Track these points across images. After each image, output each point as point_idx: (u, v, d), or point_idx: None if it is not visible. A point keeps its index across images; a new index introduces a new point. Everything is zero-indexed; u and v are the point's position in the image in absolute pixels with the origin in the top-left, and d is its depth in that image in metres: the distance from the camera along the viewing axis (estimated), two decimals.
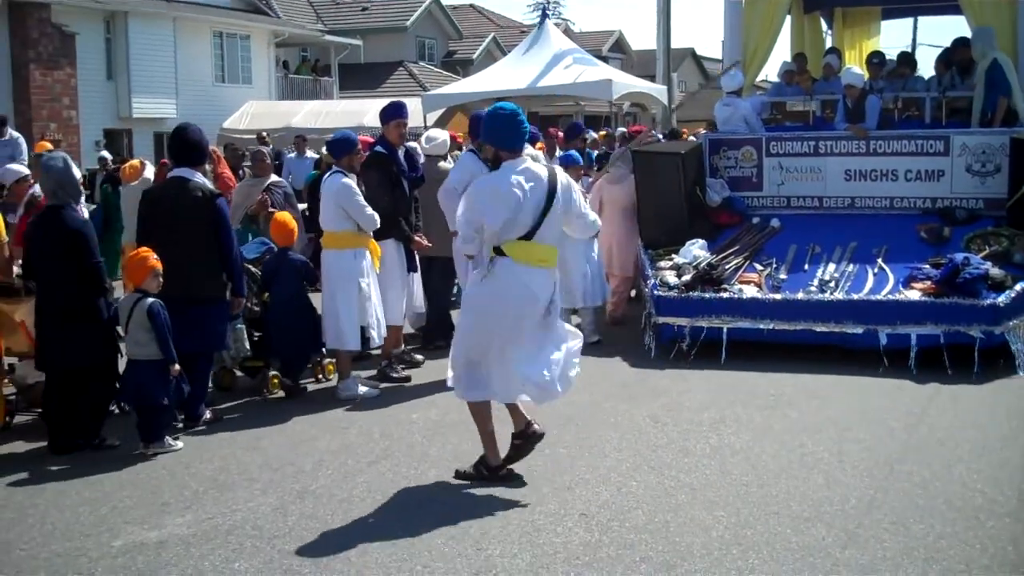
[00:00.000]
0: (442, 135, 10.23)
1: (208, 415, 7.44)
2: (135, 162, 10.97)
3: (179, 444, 6.79)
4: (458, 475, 5.99)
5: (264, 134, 20.74)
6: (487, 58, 39.84)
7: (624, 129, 16.91)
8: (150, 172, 10.27)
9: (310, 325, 8.26)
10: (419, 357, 9.23)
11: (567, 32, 36.35)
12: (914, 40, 16.19)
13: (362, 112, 26.31)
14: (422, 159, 9.74)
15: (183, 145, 7.46)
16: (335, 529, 5.24)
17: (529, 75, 17.00)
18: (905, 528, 5.05)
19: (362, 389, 8.15)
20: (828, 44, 14.82)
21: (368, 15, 42.49)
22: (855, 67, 11.94)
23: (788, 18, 13.29)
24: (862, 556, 4.71)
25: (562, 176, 5.79)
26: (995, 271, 8.79)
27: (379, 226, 8.24)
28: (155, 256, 6.78)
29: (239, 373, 8.52)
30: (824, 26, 15.32)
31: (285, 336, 8.15)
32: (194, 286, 7.14)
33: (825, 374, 8.38)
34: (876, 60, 12.41)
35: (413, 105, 20.91)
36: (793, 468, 6.07)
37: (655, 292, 9.38)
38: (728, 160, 11.32)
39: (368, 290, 8.14)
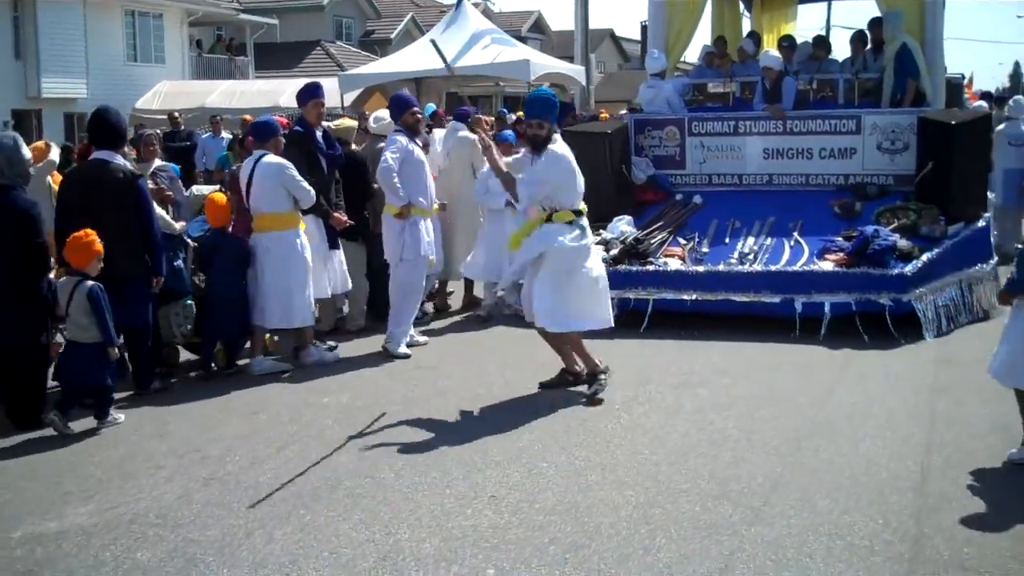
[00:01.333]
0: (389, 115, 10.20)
1: (156, 384, 7.69)
2: (40, 144, 10.63)
3: (121, 417, 6.93)
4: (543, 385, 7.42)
5: (176, 114, 20.37)
6: (405, 38, 39.49)
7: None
8: (55, 154, 9.97)
9: (248, 305, 8.34)
10: (332, 343, 9.18)
11: (486, 12, 36.20)
12: (828, 23, 16.68)
13: (278, 92, 26.11)
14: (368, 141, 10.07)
15: (104, 128, 7.52)
16: (241, 516, 5.15)
17: (447, 55, 16.90)
18: (811, 505, 5.11)
19: (327, 355, 8.56)
20: (746, 28, 15.00)
21: None
22: (773, 50, 12.14)
23: (708, 2, 13.39)
24: (768, 533, 4.77)
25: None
26: (903, 243, 9.20)
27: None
28: (99, 240, 6.83)
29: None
30: (743, 10, 15.48)
31: (225, 315, 8.19)
32: (118, 265, 7.14)
33: (740, 345, 8.59)
34: (786, 43, 12.63)
35: (330, 85, 20.60)
36: (702, 447, 6.11)
37: None
38: (652, 140, 11.57)
39: (311, 265, 8.38)
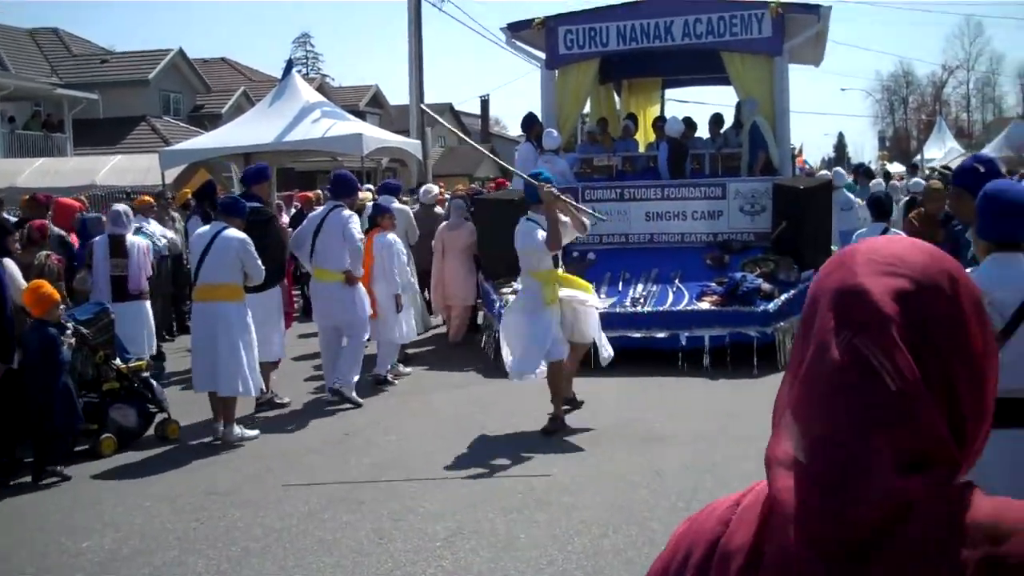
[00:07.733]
0: (435, 188, 13.70)
1: None
2: None
3: None
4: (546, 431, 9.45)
5: None
6: (237, 112, 41.19)
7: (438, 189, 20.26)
8: None
9: (62, 405, 8.44)
10: (286, 399, 11.29)
11: (322, 87, 38.88)
12: (662, 100, 20.49)
13: (95, 170, 27.47)
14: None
15: None
16: None
17: (276, 129, 18.01)
18: None
19: (248, 432, 9.74)
20: (618, 109, 19.48)
21: (108, 68, 44.54)
22: (678, 119, 16.16)
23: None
24: None
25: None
26: (766, 286, 12.97)
27: (271, 275, 10.30)
28: None
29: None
30: (615, 95, 19.98)
31: (36, 415, 8.36)
32: None
33: (586, 454, 8.65)
34: (661, 123, 16.96)
35: (150, 161, 21.82)
36: None
37: (501, 311, 13.01)
38: None
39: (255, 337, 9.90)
